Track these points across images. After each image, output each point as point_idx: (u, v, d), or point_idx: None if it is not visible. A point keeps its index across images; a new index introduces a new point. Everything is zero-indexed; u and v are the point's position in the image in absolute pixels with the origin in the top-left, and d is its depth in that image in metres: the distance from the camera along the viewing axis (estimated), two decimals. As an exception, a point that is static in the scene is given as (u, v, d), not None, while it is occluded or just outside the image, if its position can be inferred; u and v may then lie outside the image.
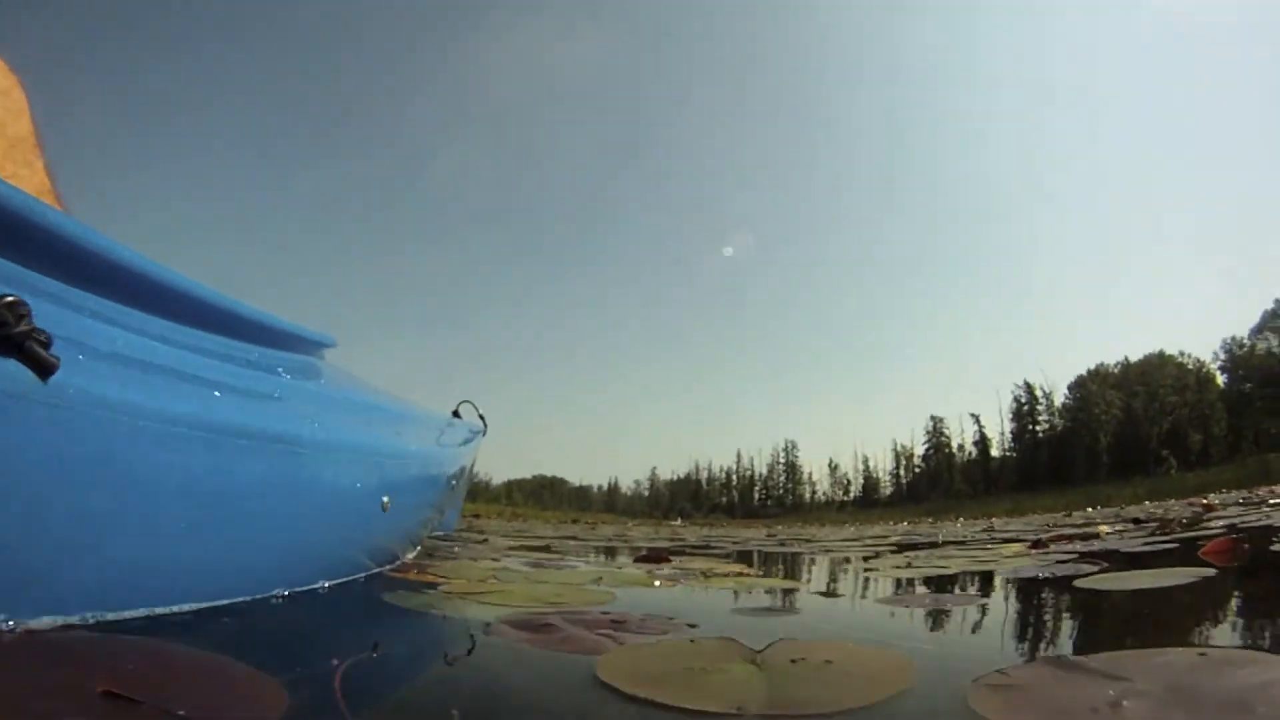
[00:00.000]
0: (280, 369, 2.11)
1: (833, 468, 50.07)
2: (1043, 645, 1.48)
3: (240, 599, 1.51)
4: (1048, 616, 1.88)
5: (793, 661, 1.18)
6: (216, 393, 1.53)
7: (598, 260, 73.90)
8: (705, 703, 0.97)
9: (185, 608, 1.37)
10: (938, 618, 1.85)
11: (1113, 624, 1.72)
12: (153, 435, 1.26)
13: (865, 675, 1.13)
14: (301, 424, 1.73)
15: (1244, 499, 8.92)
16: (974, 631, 1.69)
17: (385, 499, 2.08)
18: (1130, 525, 5.70)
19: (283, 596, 1.65)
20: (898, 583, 2.80)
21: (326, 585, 1.85)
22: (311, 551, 1.80)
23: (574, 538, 7.25)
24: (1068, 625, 1.76)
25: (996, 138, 66.94)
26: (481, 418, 5.20)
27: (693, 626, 1.56)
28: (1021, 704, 0.94)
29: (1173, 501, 12.40)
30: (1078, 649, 1.29)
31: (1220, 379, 36.38)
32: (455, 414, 4.92)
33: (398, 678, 1.14)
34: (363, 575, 2.14)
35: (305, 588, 1.76)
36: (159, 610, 1.32)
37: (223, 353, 1.86)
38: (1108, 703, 0.91)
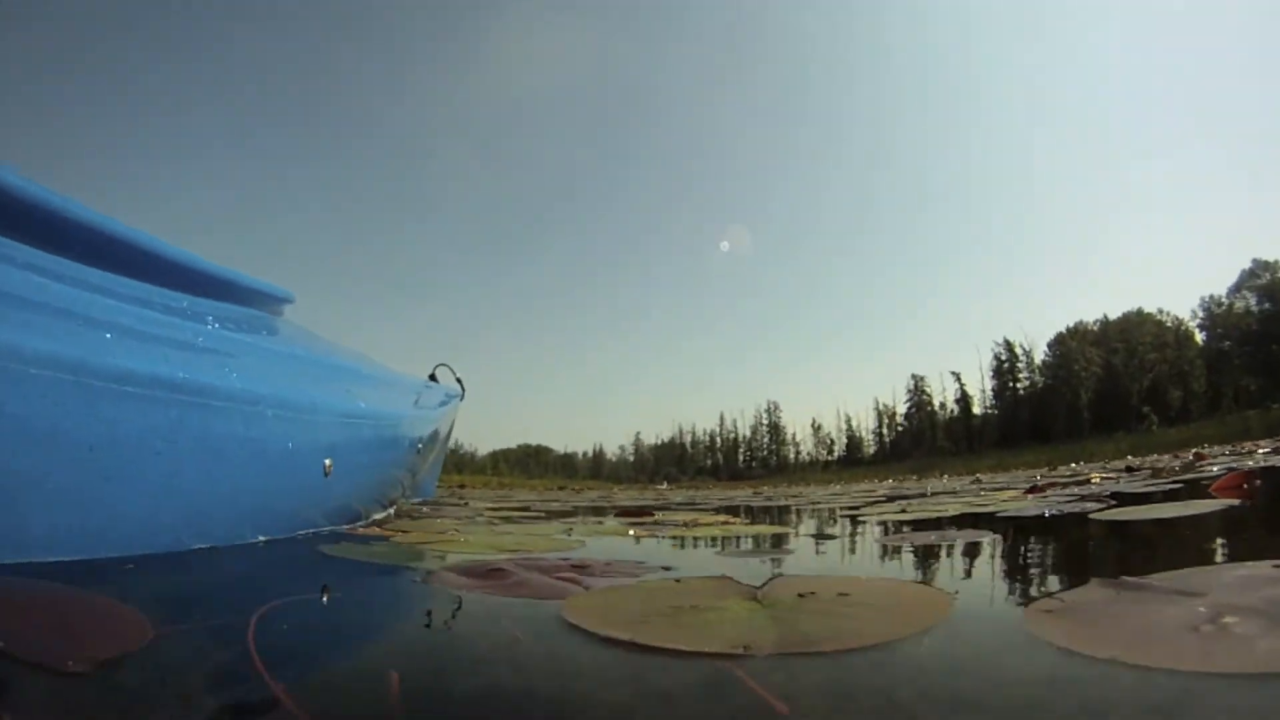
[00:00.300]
0: (211, 318, 1.91)
1: (816, 428, 50.29)
2: (1078, 574, 1.30)
3: (146, 551, 1.34)
4: (1071, 548, 1.70)
5: (801, 596, 0.98)
6: (108, 334, 1.36)
7: (582, 234, 73.01)
8: (702, 643, 0.77)
9: (72, 559, 1.21)
10: (949, 554, 1.68)
11: (1146, 550, 1.55)
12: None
13: (892, 607, 0.94)
14: (217, 374, 1.57)
15: (1231, 451, 8.90)
16: (994, 566, 1.52)
17: (328, 461, 1.91)
18: (1123, 474, 5.61)
19: (202, 549, 1.50)
20: (897, 525, 2.64)
21: (263, 540, 1.69)
22: (235, 507, 1.63)
23: (557, 500, 7.09)
24: (1097, 553, 1.58)
25: (981, 104, 66.38)
26: (459, 381, 4.98)
27: (668, 570, 1.37)
28: (1096, 627, 0.75)
29: (1156, 455, 12.40)
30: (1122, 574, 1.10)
31: (1199, 337, 36.64)
32: (432, 377, 4.69)
33: (306, 624, 0.95)
34: (310, 531, 1.97)
35: (236, 542, 1.62)
36: (31, 560, 1.15)
37: (136, 296, 1.68)
38: (1205, 620, 0.72)
